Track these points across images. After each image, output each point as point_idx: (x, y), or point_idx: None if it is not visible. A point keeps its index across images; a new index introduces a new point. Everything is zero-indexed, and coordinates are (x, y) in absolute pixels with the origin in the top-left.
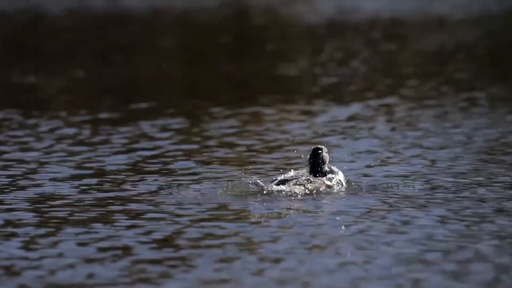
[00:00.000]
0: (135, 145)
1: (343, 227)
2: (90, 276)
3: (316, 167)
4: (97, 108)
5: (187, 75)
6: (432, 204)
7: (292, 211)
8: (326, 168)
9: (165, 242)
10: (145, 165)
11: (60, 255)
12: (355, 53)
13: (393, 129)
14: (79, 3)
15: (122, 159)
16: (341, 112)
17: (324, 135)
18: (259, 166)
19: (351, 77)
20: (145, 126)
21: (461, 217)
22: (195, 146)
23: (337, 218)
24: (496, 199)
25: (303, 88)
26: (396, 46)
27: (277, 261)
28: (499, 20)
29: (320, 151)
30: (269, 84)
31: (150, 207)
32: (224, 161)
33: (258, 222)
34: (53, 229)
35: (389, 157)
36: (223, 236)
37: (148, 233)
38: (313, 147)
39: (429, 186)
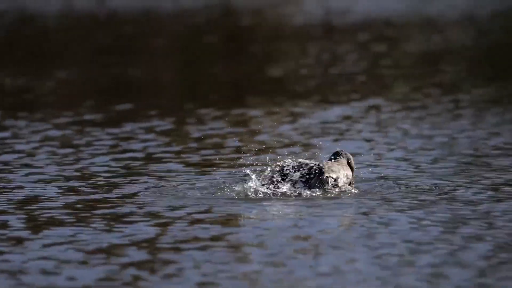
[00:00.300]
0: (122, 147)
1: (323, 230)
2: (72, 279)
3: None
4: (83, 109)
5: (175, 76)
6: (413, 206)
7: (277, 214)
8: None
9: (151, 244)
10: (131, 167)
11: (44, 258)
12: (343, 54)
13: (378, 131)
14: (65, 4)
15: (108, 160)
16: (328, 113)
17: (311, 136)
18: (246, 167)
19: (339, 79)
20: (132, 127)
21: (440, 220)
22: (182, 148)
23: (316, 221)
24: (478, 201)
25: (290, 89)
26: (385, 48)
27: (264, 264)
28: (489, 21)
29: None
30: (257, 85)
31: (136, 209)
32: (211, 163)
33: (245, 225)
34: (36, 232)
35: (373, 159)
36: (209, 239)
37: (132, 235)
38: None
39: (411, 188)
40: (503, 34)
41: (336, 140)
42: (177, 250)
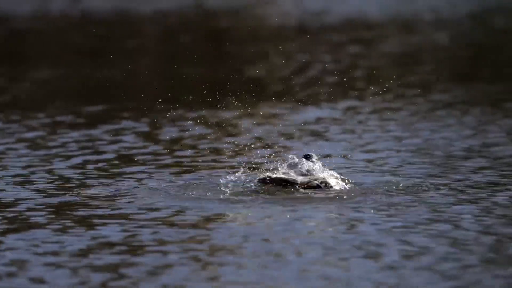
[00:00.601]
0: (96, 148)
1: (295, 233)
2: (42, 282)
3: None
4: (57, 110)
5: (150, 77)
6: (383, 209)
7: (251, 216)
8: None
9: (123, 247)
10: (105, 169)
11: (13, 261)
12: (319, 55)
13: (352, 132)
14: (39, 5)
15: (81, 162)
16: (303, 115)
17: (290, 137)
18: (227, 169)
19: (315, 80)
20: (107, 128)
21: (410, 224)
22: (156, 149)
23: (288, 224)
24: (446, 203)
25: (266, 90)
26: (361, 49)
27: (239, 266)
28: (465, 22)
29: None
30: (233, 86)
31: (108, 211)
32: (185, 164)
33: (221, 227)
34: (4, 234)
35: (344, 161)
36: (183, 241)
37: (105, 237)
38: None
39: (382, 191)
40: (479, 36)
41: (310, 142)
42: (150, 252)
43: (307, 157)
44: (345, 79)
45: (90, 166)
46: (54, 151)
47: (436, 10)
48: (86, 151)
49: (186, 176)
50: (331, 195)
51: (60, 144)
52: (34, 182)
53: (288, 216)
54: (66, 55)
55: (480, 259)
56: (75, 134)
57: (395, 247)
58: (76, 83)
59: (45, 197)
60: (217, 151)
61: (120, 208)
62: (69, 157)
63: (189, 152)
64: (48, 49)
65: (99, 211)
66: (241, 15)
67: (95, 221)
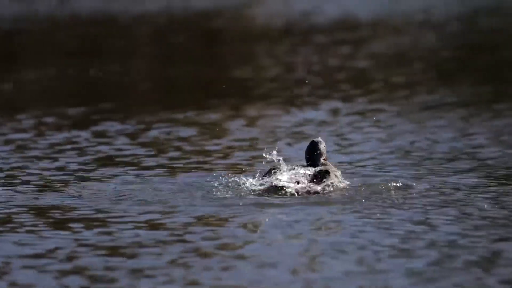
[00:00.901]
0: (81, 150)
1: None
2: (17, 285)
3: (314, 160)
4: (41, 112)
5: (138, 78)
6: (364, 210)
7: (233, 219)
8: (322, 161)
9: (103, 249)
10: (90, 170)
11: None
12: (309, 56)
13: (337, 134)
14: (27, 6)
15: (65, 163)
16: (290, 116)
17: (275, 139)
18: (211, 171)
19: (304, 81)
20: (93, 130)
21: (392, 226)
22: (145, 151)
23: (270, 227)
24: (431, 206)
25: (256, 91)
26: (351, 50)
27: (208, 271)
28: (460, 23)
29: (318, 144)
30: (220, 87)
31: (90, 214)
32: (170, 166)
33: (206, 230)
34: None
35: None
36: (167, 243)
37: (87, 239)
38: (311, 140)
39: (366, 192)
40: (468, 37)
41: (294, 144)
42: (130, 255)
43: (315, 144)
44: (331, 81)
45: (74, 168)
46: (38, 152)
47: (426, 10)
48: (71, 152)
49: (171, 179)
50: (314, 199)
51: (45, 145)
52: (16, 184)
53: (277, 218)
54: (53, 56)
55: (463, 261)
56: (60, 135)
57: (375, 249)
58: (63, 84)
59: (28, 198)
60: (204, 153)
61: (104, 211)
62: (54, 158)
63: (176, 153)
64: (35, 50)
65: (82, 213)
66: (229, 16)
67: (78, 223)
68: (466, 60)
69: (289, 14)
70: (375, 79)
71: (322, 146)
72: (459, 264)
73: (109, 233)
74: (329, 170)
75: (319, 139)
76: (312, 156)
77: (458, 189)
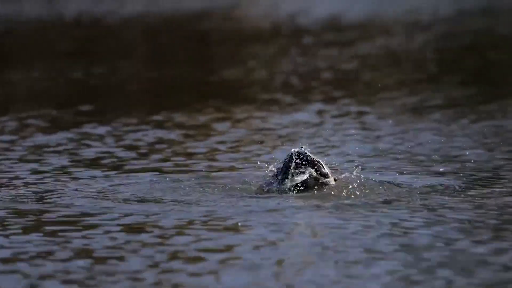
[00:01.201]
0: (67, 152)
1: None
2: None
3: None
4: (27, 113)
5: (126, 80)
6: (344, 212)
7: (210, 223)
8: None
9: (78, 253)
10: (70, 172)
11: None
12: (297, 57)
13: (321, 136)
14: (15, 8)
15: (47, 166)
16: (276, 118)
17: (259, 142)
18: (197, 172)
19: (291, 83)
20: (75, 132)
21: (370, 229)
22: (128, 154)
23: (246, 229)
24: (410, 209)
25: (243, 93)
26: (339, 51)
27: (192, 275)
28: (449, 24)
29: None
30: (205, 89)
31: (72, 217)
32: (155, 169)
33: (181, 232)
34: None
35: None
36: (151, 246)
37: (67, 242)
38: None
39: (344, 195)
40: (456, 38)
41: (278, 146)
42: (102, 259)
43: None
44: (318, 82)
45: (57, 170)
46: (21, 153)
47: (414, 12)
48: (54, 154)
49: (158, 180)
50: (293, 201)
51: (28, 147)
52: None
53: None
54: (41, 57)
55: (436, 264)
56: (45, 138)
57: (352, 252)
58: (50, 85)
59: (8, 202)
60: (191, 154)
61: (87, 214)
62: (37, 161)
63: (161, 155)
64: (23, 52)
65: (64, 215)
66: (218, 17)
67: (57, 226)
68: (453, 62)
69: (278, 15)
70: (362, 81)
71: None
72: (433, 267)
73: (92, 236)
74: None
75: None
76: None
77: (439, 192)
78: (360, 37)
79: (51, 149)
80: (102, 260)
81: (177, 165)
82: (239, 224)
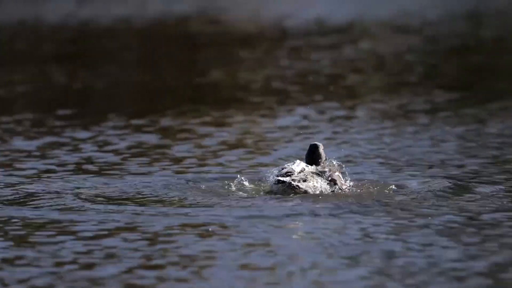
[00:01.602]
0: (48, 156)
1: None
2: None
3: (315, 163)
4: (6, 118)
5: (106, 85)
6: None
7: (190, 227)
8: (321, 164)
9: (47, 257)
10: (50, 177)
11: None
12: (283, 60)
13: (307, 139)
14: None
15: (26, 171)
16: (265, 121)
17: (243, 146)
18: (184, 174)
19: (278, 86)
20: (54, 137)
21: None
22: (111, 157)
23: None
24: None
25: (227, 97)
26: (325, 54)
27: (178, 280)
28: (436, 28)
29: (317, 148)
30: (187, 93)
31: (48, 223)
32: (140, 173)
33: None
34: None
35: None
36: (130, 249)
37: (47, 245)
38: (310, 144)
39: (320, 198)
40: (440, 42)
41: (263, 150)
42: (86, 264)
43: (314, 148)
44: (305, 85)
45: (37, 174)
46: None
47: (401, 16)
48: (33, 159)
49: (143, 183)
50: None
51: (7, 151)
52: None
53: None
54: (23, 62)
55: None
56: (24, 143)
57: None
58: (33, 90)
59: None
60: (175, 158)
61: (66, 219)
62: (15, 166)
63: (145, 159)
64: (4, 55)
65: (44, 221)
66: (205, 21)
67: (40, 231)
68: (436, 65)
69: (264, 19)
70: (346, 84)
71: (321, 149)
72: (409, 270)
73: (67, 240)
74: (333, 176)
75: (318, 143)
76: (312, 158)
77: (419, 195)
78: (347, 41)
79: (32, 153)
80: (74, 265)
81: (163, 169)
82: (209, 229)
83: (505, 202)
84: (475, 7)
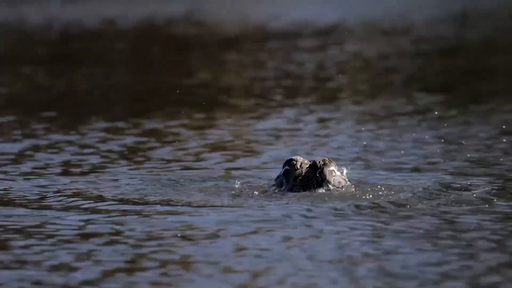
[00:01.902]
0: (31, 159)
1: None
2: None
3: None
4: None
5: (94, 86)
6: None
7: (182, 230)
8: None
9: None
10: (33, 179)
11: None
12: (271, 62)
13: (294, 142)
14: None
15: (9, 174)
16: (252, 123)
17: (224, 149)
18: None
19: (265, 88)
20: (33, 141)
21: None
22: (97, 160)
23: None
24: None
25: (209, 98)
26: (312, 56)
27: (154, 284)
28: (424, 30)
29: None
30: (179, 94)
31: (33, 228)
32: (129, 175)
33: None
34: None
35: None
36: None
37: (25, 251)
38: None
39: (309, 201)
40: (428, 43)
41: (250, 153)
42: (68, 268)
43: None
44: (292, 88)
45: (18, 177)
46: None
47: (389, 17)
48: (16, 161)
49: (130, 184)
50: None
51: None
52: None
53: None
54: (4, 64)
55: (397, 274)
56: (6, 145)
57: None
58: (15, 92)
59: None
60: (163, 160)
61: (50, 222)
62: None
63: (134, 161)
64: None
65: (24, 224)
66: (193, 23)
67: (9, 233)
68: (422, 68)
69: (251, 21)
70: (332, 86)
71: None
72: (383, 273)
73: (52, 244)
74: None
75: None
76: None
77: (405, 199)
78: (334, 42)
79: (15, 155)
80: (54, 269)
81: (150, 171)
82: (178, 235)
83: (486, 206)
84: (462, 9)
